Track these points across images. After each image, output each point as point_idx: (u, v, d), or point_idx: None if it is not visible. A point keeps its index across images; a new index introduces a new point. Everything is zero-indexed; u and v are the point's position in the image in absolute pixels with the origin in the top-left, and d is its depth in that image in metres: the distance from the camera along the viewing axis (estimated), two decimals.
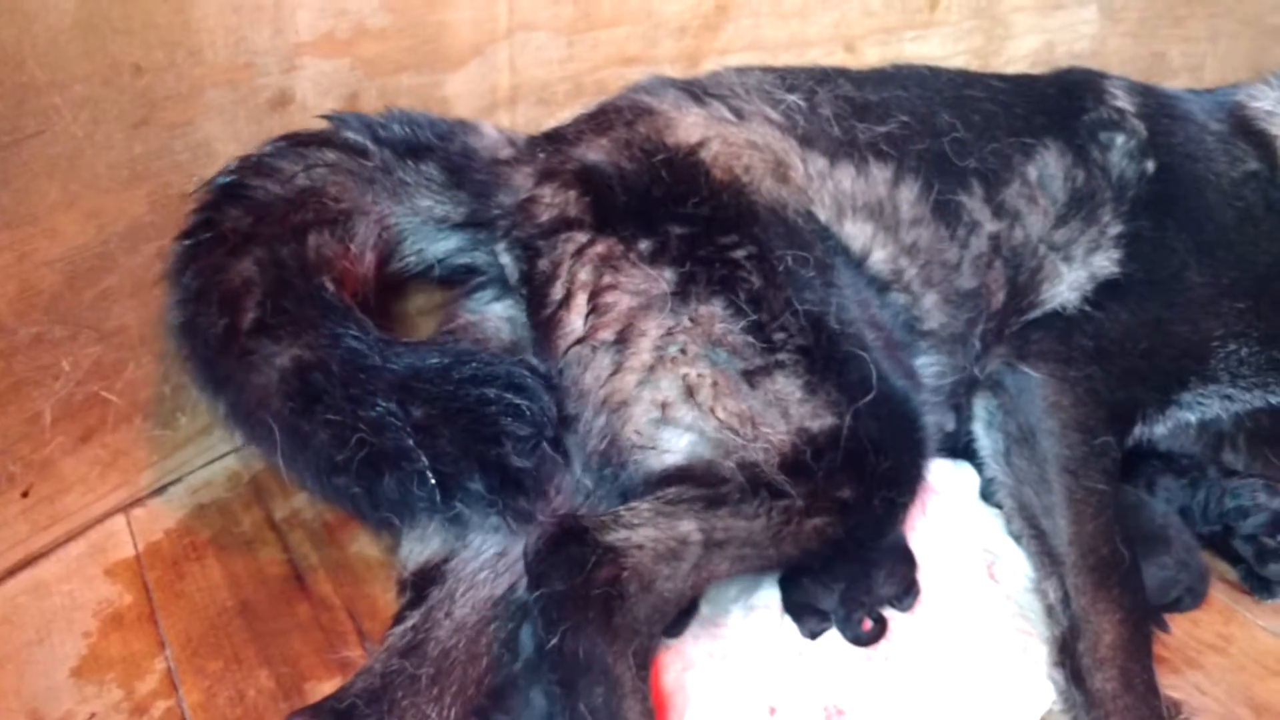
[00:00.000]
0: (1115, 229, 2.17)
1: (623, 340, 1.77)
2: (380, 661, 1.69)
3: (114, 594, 1.92)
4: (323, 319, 1.73)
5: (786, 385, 1.72)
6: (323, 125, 1.99)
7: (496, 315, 1.99)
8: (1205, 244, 2.16)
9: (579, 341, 1.79)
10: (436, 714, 1.64)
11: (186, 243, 1.82)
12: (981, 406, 2.11)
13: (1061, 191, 2.18)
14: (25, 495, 1.89)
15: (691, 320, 1.76)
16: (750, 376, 1.73)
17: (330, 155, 1.93)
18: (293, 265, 1.79)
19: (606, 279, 1.80)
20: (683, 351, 1.75)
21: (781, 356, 1.74)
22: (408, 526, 1.83)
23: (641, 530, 1.59)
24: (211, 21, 1.86)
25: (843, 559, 1.82)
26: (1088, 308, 2.10)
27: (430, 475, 1.62)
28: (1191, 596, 2.01)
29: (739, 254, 1.82)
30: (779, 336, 1.75)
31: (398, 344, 1.75)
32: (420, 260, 2.01)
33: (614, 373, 1.76)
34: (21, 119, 1.68)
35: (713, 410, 1.72)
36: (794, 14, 2.60)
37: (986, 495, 2.17)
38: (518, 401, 1.68)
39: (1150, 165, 2.23)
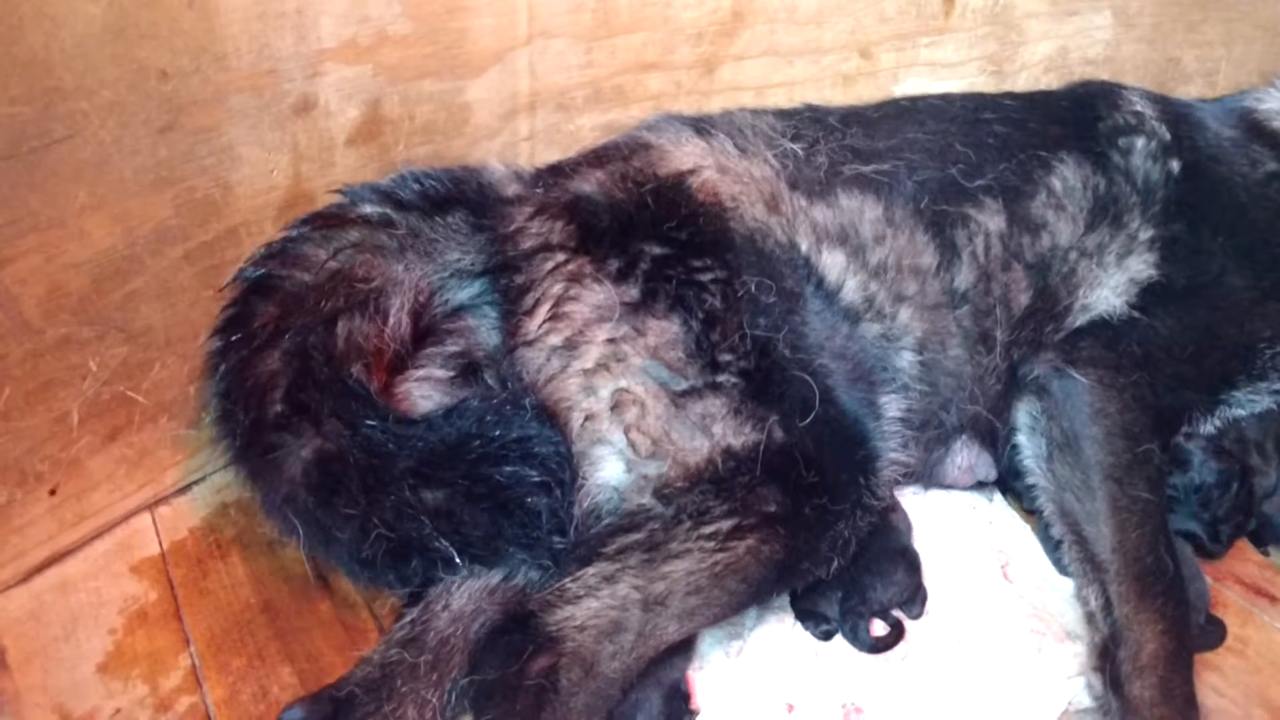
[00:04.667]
0: (1147, 233, 2.18)
1: (571, 346, 1.83)
2: (379, 653, 1.74)
3: (139, 591, 1.94)
4: (343, 408, 1.78)
5: (715, 405, 1.76)
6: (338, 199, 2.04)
7: (490, 325, 2.04)
8: (1242, 246, 2.17)
9: (527, 343, 1.86)
10: (436, 698, 1.68)
11: (218, 341, 1.88)
12: (1025, 411, 2.11)
13: (1085, 199, 2.19)
14: (53, 493, 1.92)
15: (637, 331, 1.81)
16: (682, 397, 1.77)
17: (354, 234, 1.97)
18: (318, 355, 1.83)
19: (571, 292, 1.86)
20: (623, 362, 1.80)
21: (721, 378, 1.78)
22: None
23: (585, 603, 1.62)
24: (236, 28, 1.88)
25: (793, 581, 1.84)
26: (1134, 313, 2.10)
27: (458, 560, 1.68)
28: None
29: (706, 277, 1.87)
30: (725, 358, 1.80)
31: (412, 426, 1.80)
32: (446, 310, 2.05)
33: (558, 375, 1.83)
34: (50, 124, 1.70)
35: (628, 430, 1.76)
36: (810, 20, 2.61)
37: (1029, 501, 2.17)
38: (538, 477, 1.73)
39: (1175, 165, 2.25)
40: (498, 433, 1.76)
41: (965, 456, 2.19)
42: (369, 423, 1.76)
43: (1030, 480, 2.10)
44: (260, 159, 2.01)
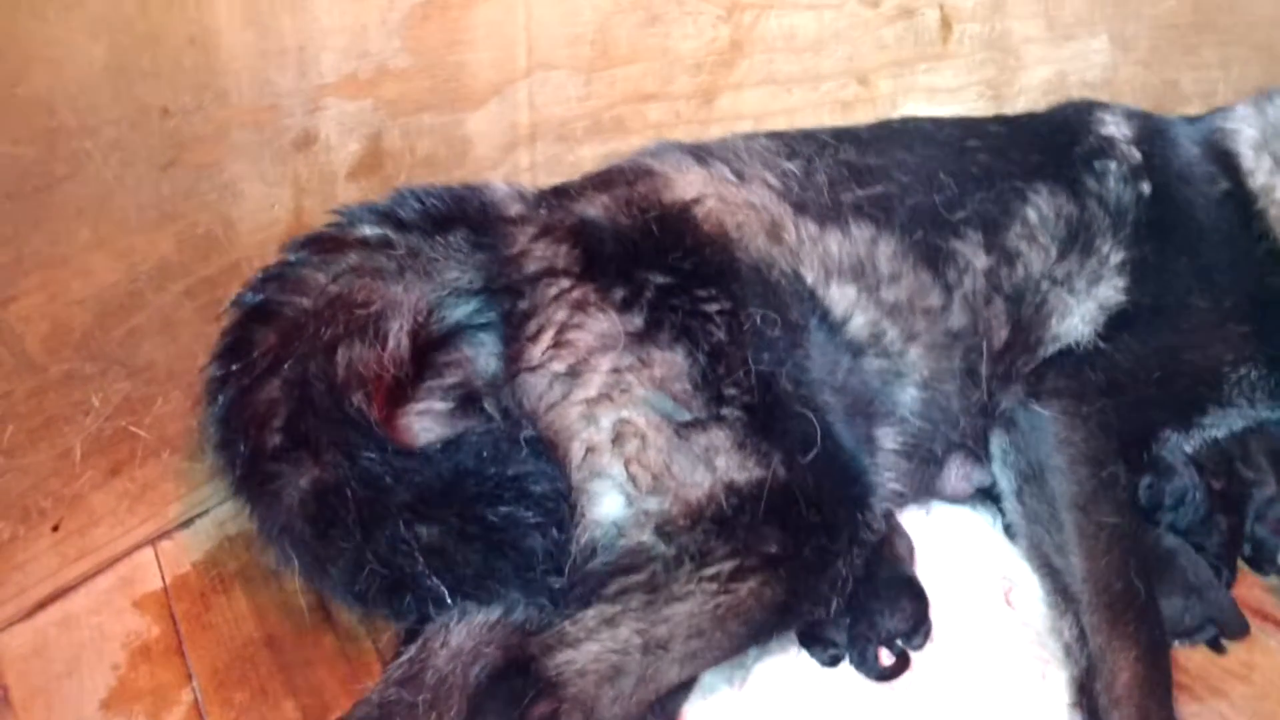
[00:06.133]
0: (1118, 256, 2.18)
1: (574, 373, 1.80)
2: (378, 692, 1.72)
3: (142, 626, 1.94)
4: (343, 439, 1.76)
5: (719, 439, 1.73)
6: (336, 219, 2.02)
7: (488, 352, 2.02)
8: (1204, 267, 2.17)
9: (529, 369, 1.83)
10: None
11: (217, 368, 1.85)
12: (997, 445, 2.11)
13: (1056, 228, 2.18)
14: (55, 529, 1.92)
15: (642, 362, 1.79)
16: (685, 429, 1.74)
17: (353, 258, 1.93)
18: (319, 384, 1.80)
19: (575, 319, 1.84)
20: (626, 392, 1.77)
21: (725, 411, 1.75)
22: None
23: (585, 647, 1.59)
24: (238, 65, 1.90)
25: (794, 623, 1.82)
26: (1100, 342, 2.10)
27: (448, 598, 1.66)
28: (1214, 625, 1.97)
29: (711, 308, 1.85)
30: (729, 391, 1.77)
31: (410, 458, 1.78)
32: (442, 327, 2.04)
33: (559, 403, 1.80)
34: (53, 163, 1.72)
35: (628, 463, 1.73)
36: (807, 49, 2.62)
37: (1009, 536, 2.17)
38: (533, 518, 1.70)
39: (1145, 187, 2.24)
40: (493, 470, 1.74)
41: (960, 466, 2.19)
42: (368, 454, 1.74)
43: (1008, 520, 2.11)
44: (261, 194, 2.03)
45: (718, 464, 1.71)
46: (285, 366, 1.81)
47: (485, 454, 1.77)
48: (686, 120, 2.56)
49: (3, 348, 1.76)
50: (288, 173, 2.05)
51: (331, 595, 1.84)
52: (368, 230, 1.98)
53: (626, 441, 1.75)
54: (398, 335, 1.91)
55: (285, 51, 1.95)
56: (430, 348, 2.04)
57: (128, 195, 1.84)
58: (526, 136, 2.38)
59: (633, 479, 1.73)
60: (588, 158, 2.47)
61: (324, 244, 1.96)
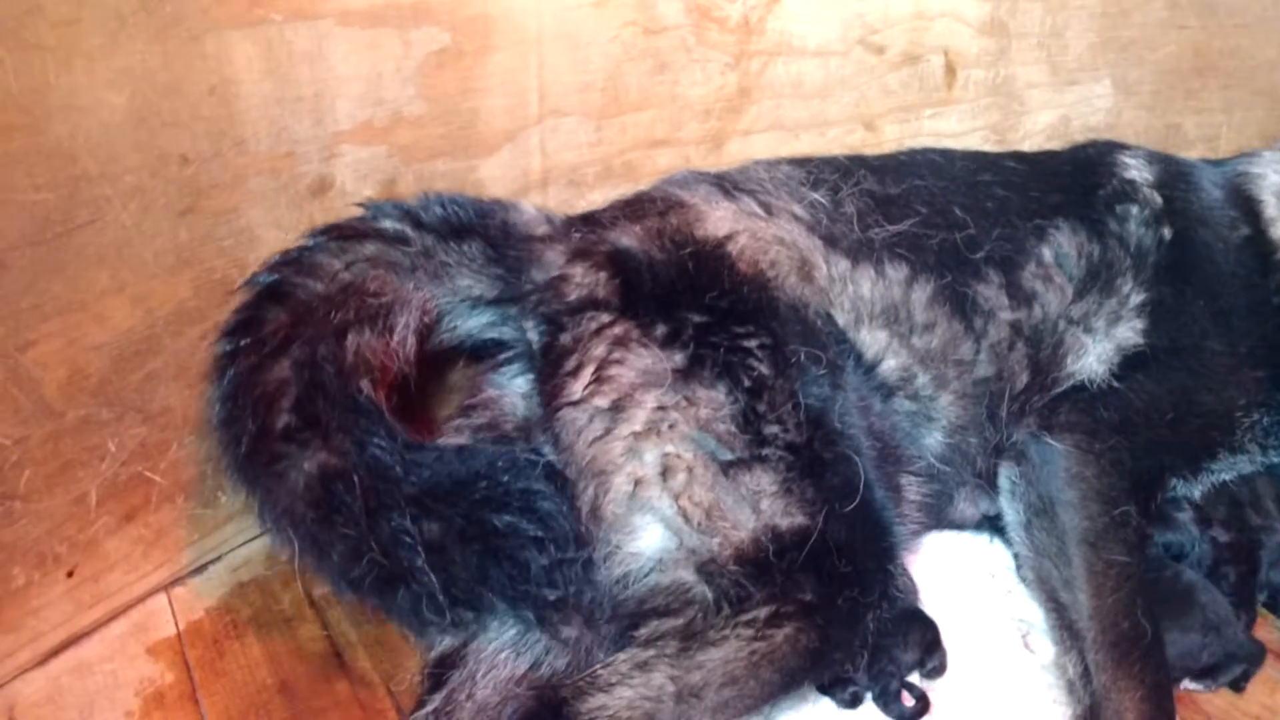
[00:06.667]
0: (1138, 298, 2.19)
1: (618, 409, 1.78)
2: None
3: (156, 673, 1.93)
4: (353, 424, 1.73)
5: (764, 481, 1.71)
6: (360, 213, 2.04)
7: (516, 391, 2.00)
8: (1221, 311, 2.18)
9: (572, 404, 1.81)
10: None
11: (226, 344, 1.85)
12: (1005, 477, 2.11)
13: (1077, 268, 2.20)
14: (70, 575, 1.92)
15: (688, 400, 1.77)
16: (729, 467, 1.72)
17: (370, 248, 1.95)
18: (329, 368, 1.79)
19: (616, 355, 1.82)
20: (671, 429, 1.75)
21: (767, 451, 1.74)
22: (421, 639, 1.87)
23: (617, 692, 1.57)
24: (255, 113, 1.93)
25: (824, 673, 1.80)
26: (1114, 382, 2.10)
27: (441, 597, 1.62)
28: (1233, 661, 1.95)
29: (752, 343, 1.83)
30: (771, 430, 1.76)
31: (421, 451, 1.75)
32: (453, 336, 2.04)
33: (602, 437, 1.77)
34: (74, 209, 1.74)
35: (677, 497, 1.71)
36: (815, 94, 2.66)
37: (1017, 569, 2.16)
38: (535, 532, 1.67)
39: (1167, 232, 2.26)
40: (505, 479, 1.71)
41: (968, 494, 2.19)
42: (378, 441, 1.72)
43: (1014, 550, 2.10)
44: (277, 239, 2.04)
45: (762, 506, 1.69)
46: (294, 346, 1.80)
47: (500, 463, 1.74)
48: (696, 165, 2.57)
49: (20, 393, 1.76)
50: (303, 218, 2.07)
51: (324, 579, 1.77)
52: (388, 224, 2.00)
53: (674, 475, 1.72)
54: (404, 331, 1.90)
55: (302, 99, 1.98)
56: (443, 362, 2.05)
57: (146, 241, 1.86)
58: (538, 182, 2.40)
59: (683, 513, 1.69)
60: (599, 203, 2.48)
61: (343, 232, 1.98)
